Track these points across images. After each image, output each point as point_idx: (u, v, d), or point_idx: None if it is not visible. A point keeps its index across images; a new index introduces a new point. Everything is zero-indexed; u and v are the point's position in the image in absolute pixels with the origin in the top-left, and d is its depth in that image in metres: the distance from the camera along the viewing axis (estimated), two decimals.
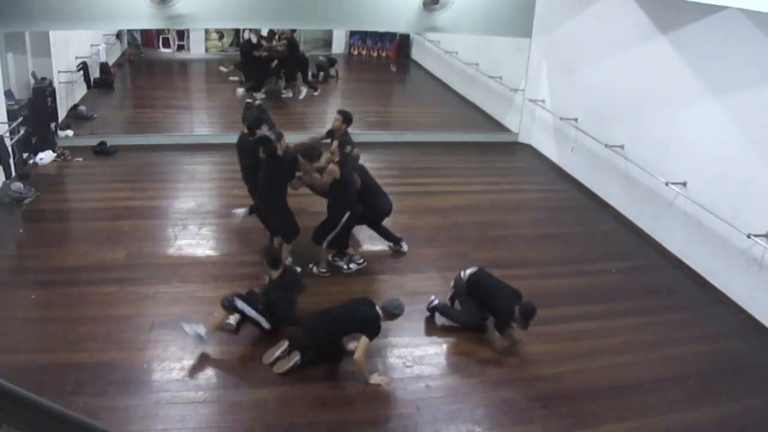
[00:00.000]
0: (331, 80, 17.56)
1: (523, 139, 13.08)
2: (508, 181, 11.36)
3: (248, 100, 7.53)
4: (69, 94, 13.05)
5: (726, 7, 7.35)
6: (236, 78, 16.14)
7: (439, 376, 6.15)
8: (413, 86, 19.32)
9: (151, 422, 5.28)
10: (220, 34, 19.07)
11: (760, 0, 6.16)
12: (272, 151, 7.28)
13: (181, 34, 19.64)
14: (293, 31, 15.71)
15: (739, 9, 7.09)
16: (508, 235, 9.10)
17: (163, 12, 10.89)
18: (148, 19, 11.09)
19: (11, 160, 9.50)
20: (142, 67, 18.66)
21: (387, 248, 8.32)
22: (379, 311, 5.91)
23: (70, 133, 11.73)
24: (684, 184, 8.36)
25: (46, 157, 10.58)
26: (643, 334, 6.92)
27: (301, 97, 15.33)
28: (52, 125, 11.19)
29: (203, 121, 14.10)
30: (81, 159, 10.81)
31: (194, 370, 5.90)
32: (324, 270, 7.66)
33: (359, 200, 7.74)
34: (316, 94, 15.64)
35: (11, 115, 9.61)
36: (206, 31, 19.50)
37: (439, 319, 6.93)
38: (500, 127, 13.86)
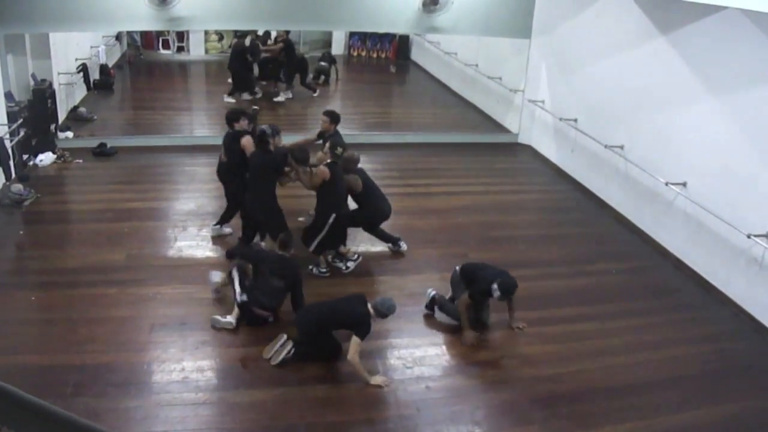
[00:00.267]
0: (331, 81, 17.54)
1: (522, 139, 13.08)
2: (508, 182, 11.37)
3: (254, 107, 7.56)
4: (69, 96, 13.05)
5: (725, 7, 7.34)
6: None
7: (440, 377, 6.15)
8: (413, 87, 19.33)
9: (151, 424, 5.27)
10: (220, 35, 19.09)
11: (759, 0, 6.16)
12: (265, 144, 7.37)
13: (181, 36, 19.65)
14: (288, 32, 15.68)
15: (738, 9, 7.09)
16: (508, 236, 9.10)
17: (163, 14, 10.90)
18: (147, 20, 11.09)
19: (11, 162, 9.50)
20: (141, 69, 18.67)
21: (386, 249, 8.32)
22: (371, 310, 5.90)
23: (70, 134, 11.74)
24: (684, 184, 8.36)
25: (46, 158, 10.59)
26: (644, 334, 6.91)
27: (277, 99, 15.16)
28: (52, 127, 11.20)
29: (203, 122, 14.10)
30: (81, 160, 10.81)
31: (194, 372, 5.90)
32: (324, 271, 7.67)
33: (361, 204, 7.75)
34: (315, 95, 15.63)
35: (11, 117, 9.62)
36: (206, 33, 19.53)
37: (440, 316, 6.92)
38: (500, 127, 13.86)
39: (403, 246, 8.29)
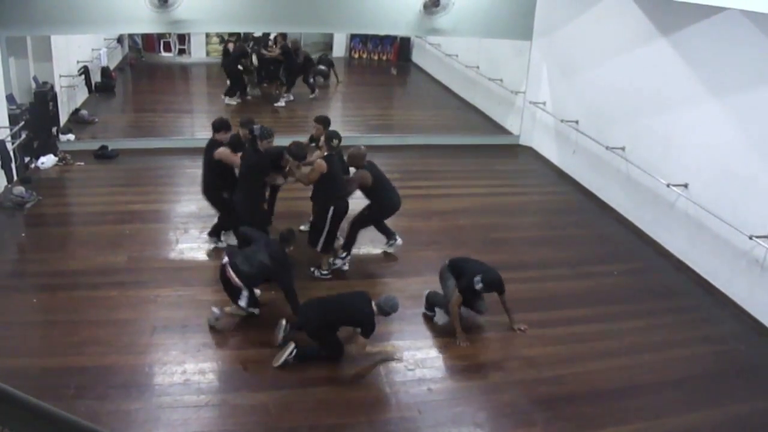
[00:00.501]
0: (331, 84, 17.53)
1: (524, 141, 13.08)
2: (509, 184, 11.37)
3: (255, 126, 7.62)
4: (70, 99, 13.06)
5: (726, 9, 7.35)
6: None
7: (441, 379, 6.15)
8: (414, 89, 19.33)
9: (152, 426, 5.27)
10: (221, 38, 19.08)
11: (759, 1, 6.16)
12: (255, 144, 7.38)
13: (182, 38, 19.68)
14: (284, 37, 15.70)
15: (738, 10, 7.09)
16: (510, 238, 9.09)
17: (164, 16, 10.91)
18: (149, 23, 11.11)
19: (13, 165, 9.51)
20: (143, 71, 18.69)
21: (386, 250, 8.34)
22: (375, 308, 5.99)
23: (71, 137, 11.75)
24: (685, 185, 8.35)
25: (47, 161, 10.60)
26: (645, 336, 6.90)
27: (277, 104, 15.19)
28: (54, 129, 11.22)
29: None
30: (82, 163, 10.82)
31: (196, 374, 5.89)
32: (325, 273, 7.66)
33: (372, 197, 7.77)
34: (312, 96, 15.60)
35: (13, 120, 9.63)
36: (207, 35, 19.56)
37: (439, 317, 6.92)
38: (501, 129, 13.86)
39: (399, 240, 8.31)
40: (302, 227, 8.59)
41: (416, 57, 20.91)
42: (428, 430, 5.47)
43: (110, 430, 5.15)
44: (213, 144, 7.79)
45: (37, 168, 10.45)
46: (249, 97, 15.23)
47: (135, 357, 6.09)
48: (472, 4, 11.94)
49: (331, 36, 21.01)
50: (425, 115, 15.51)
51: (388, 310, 6.01)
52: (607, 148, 9.87)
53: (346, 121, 14.68)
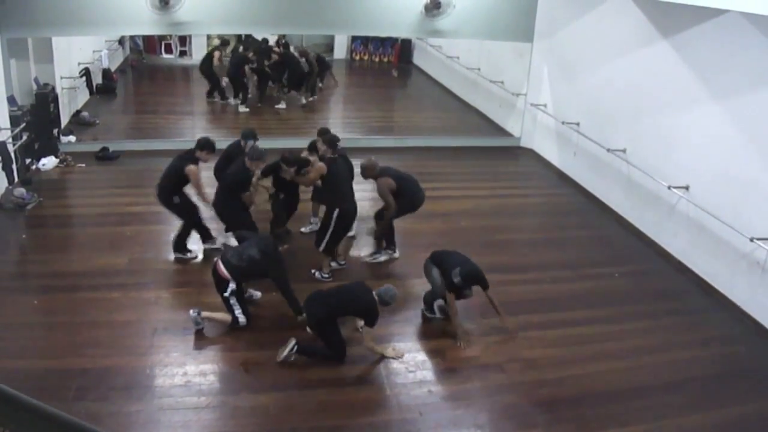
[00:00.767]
0: (326, 86, 17.41)
1: (525, 143, 13.09)
2: (510, 186, 11.37)
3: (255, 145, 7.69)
4: (71, 100, 13.08)
5: (727, 11, 7.35)
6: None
7: (442, 380, 6.14)
8: (415, 91, 19.34)
9: (153, 428, 5.28)
10: (222, 39, 19.07)
11: (760, 3, 6.16)
12: (243, 160, 7.52)
13: (183, 40, 19.72)
14: (283, 45, 15.71)
15: (739, 12, 7.09)
16: (511, 240, 9.09)
17: (166, 18, 10.93)
18: (150, 24, 11.12)
19: (14, 166, 9.51)
20: (144, 73, 18.72)
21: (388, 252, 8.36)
22: (376, 297, 6.08)
23: (72, 138, 11.77)
24: (686, 187, 8.35)
25: (48, 162, 10.61)
26: (646, 338, 6.90)
27: (278, 106, 15.22)
28: (55, 131, 11.23)
29: (205, 126, 14.11)
30: (83, 164, 10.83)
31: (196, 376, 5.89)
32: (327, 275, 7.66)
33: (399, 197, 7.80)
34: (303, 102, 15.46)
35: (14, 121, 9.64)
36: (208, 37, 19.56)
37: (440, 312, 6.94)
38: (502, 131, 13.87)
39: (396, 254, 8.35)
40: (303, 229, 8.61)
41: (417, 59, 20.94)
42: (429, 431, 5.46)
43: (111, 431, 5.15)
44: (189, 157, 7.75)
45: (38, 169, 10.46)
46: (230, 101, 15.19)
47: (136, 359, 6.09)
48: (473, 6, 11.95)
49: (332, 38, 21.03)
50: (426, 117, 15.51)
51: (387, 299, 6.10)
52: (608, 150, 9.87)
53: (347, 123, 14.71)
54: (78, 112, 13.24)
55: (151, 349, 6.25)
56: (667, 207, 8.80)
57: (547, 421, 5.63)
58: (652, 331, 7.04)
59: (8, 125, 9.49)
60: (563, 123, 11.34)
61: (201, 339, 6.43)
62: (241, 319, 6.54)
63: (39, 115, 10.54)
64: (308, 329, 6.31)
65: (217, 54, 15.14)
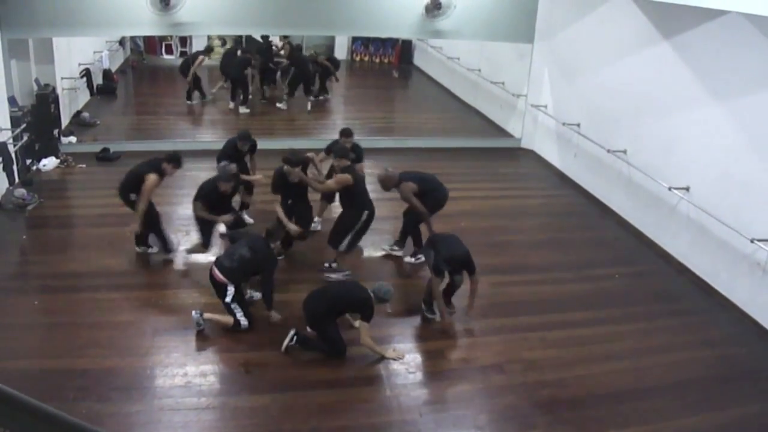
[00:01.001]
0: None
1: (525, 144, 13.09)
2: (510, 187, 11.36)
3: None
4: (72, 101, 13.08)
5: (728, 12, 7.35)
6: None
7: (442, 382, 6.14)
8: (416, 92, 19.34)
9: (153, 428, 5.27)
10: (223, 40, 19.08)
11: (761, 4, 6.16)
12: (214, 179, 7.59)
13: (184, 41, 19.69)
14: (289, 44, 15.69)
15: (740, 14, 7.09)
16: (511, 241, 9.09)
17: (166, 18, 10.93)
18: (150, 25, 11.12)
19: (14, 167, 9.52)
20: (144, 74, 18.72)
21: (388, 253, 8.36)
22: (371, 294, 6.13)
23: (73, 139, 11.76)
24: (687, 188, 8.34)
25: (49, 163, 10.61)
26: (646, 339, 6.90)
27: (279, 104, 15.17)
28: (55, 132, 11.22)
29: (206, 127, 14.12)
30: (84, 165, 10.83)
31: (197, 377, 5.89)
32: (347, 272, 7.70)
33: (423, 198, 7.87)
34: (280, 105, 15.21)
35: (14, 122, 9.64)
36: (209, 38, 19.55)
37: (437, 314, 6.99)
38: (503, 132, 13.87)
39: (406, 258, 8.40)
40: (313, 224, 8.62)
41: (418, 60, 20.94)
42: None
43: None
44: (155, 165, 7.70)
45: (38, 170, 10.46)
46: (194, 101, 15.20)
47: (136, 359, 6.09)
48: (474, 7, 11.95)
49: (332, 38, 21.03)
50: (427, 118, 15.51)
51: (382, 295, 6.16)
52: (608, 151, 9.87)
53: (348, 124, 14.63)
54: (78, 112, 13.25)
55: (152, 350, 6.25)
56: (667, 208, 8.80)
57: (548, 422, 5.62)
58: (652, 332, 7.04)
59: (9, 126, 9.49)
60: (564, 124, 11.34)
61: (201, 340, 6.43)
62: (244, 322, 6.53)
63: (39, 116, 10.54)
64: (308, 329, 6.31)
65: (200, 59, 15.09)
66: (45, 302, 7.02)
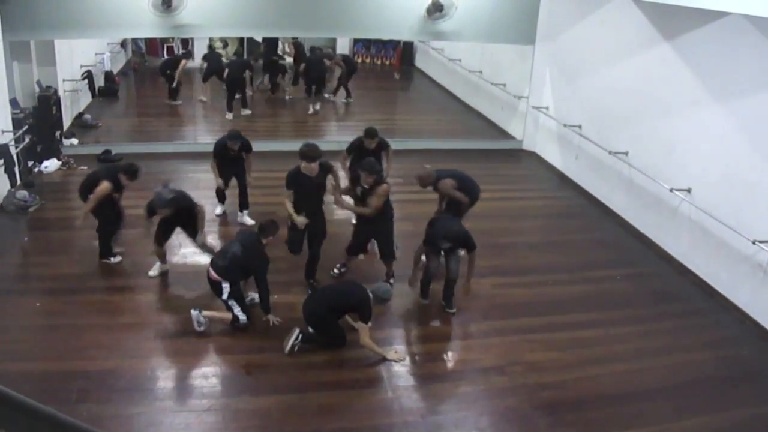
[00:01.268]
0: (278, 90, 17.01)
1: (527, 146, 13.08)
2: (512, 189, 11.35)
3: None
4: (74, 103, 13.10)
5: (729, 14, 7.35)
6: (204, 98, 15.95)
7: (444, 383, 6.13)
8: (417, 94, 19.34)
9: (155, 430, 5.27)
10: (225, 42, 19.12)
11: (762, 5, 6.16)
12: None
13: (186, 43, 19.69)
14: (296, 44, 15.74)
15: (741, 15, 7.09)
16: (513, 243, 9.09)
17: (168, 21, 10.94)
18: (152, 27, 11.14)
19: (16, 169, 9.53)
20: (146, 76, 18.72)
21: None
22: (370, 294, 6.17)
23: (74, 141, 11.78)
24: (688, 190, 8.34)
25: (50, 165, 10.62)
26: (648, 341, 6.89)
27: (310, 111, 15.08)
28: (57, 134, 11.24)
29: (207, 129, 14.11)
30: (86, 167, 10.82)
31: (198, 378, 5.90)
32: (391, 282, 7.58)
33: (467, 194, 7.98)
34: (245, 112, 14.92)
35: (16, 124, 9.66)
36: (210, 40, 19.57)
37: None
38: (504, 134, 13.87)
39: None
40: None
41: (419, 61, 20.96)
42: None
43: None
44: (112, 173, 7.71)
45: (40, 172, 10.47)
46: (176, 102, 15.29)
47: (137, 361, 6.09)
48: (475, 9, 11.95)
49: (334, 40, 21.04)
50: (428, 120, 15.51)
51: (381, 295, 6.22)
52: (610, 152, 9.87)
53: (348, 126, 14.70)
54: (80, 114, 13.26)
55: (153, 352, 6.25)
56: (669, 209, 8.79)
57: (549, 424, 5.62)
58: (653, 333, 7.04)
59: (11, 128, 9.50)
60: (565, 126, 11.33)
61: (202, 341, 6.43)
62: (242, 317, 6.55)
63: (41, 118, 10.55)
64: (309, 329, 6.32)
65: (183, 62, 15.10)
66: (46, 304, 7.02)
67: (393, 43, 21.11)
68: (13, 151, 9.38)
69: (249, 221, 8.80)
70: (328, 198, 7.58)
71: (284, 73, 16.61)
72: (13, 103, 9.85)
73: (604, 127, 10.34)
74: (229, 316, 6.56)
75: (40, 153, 10.60)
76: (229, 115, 14.12)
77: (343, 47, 21.31)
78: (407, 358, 6.35)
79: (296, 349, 6.21)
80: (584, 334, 6.95)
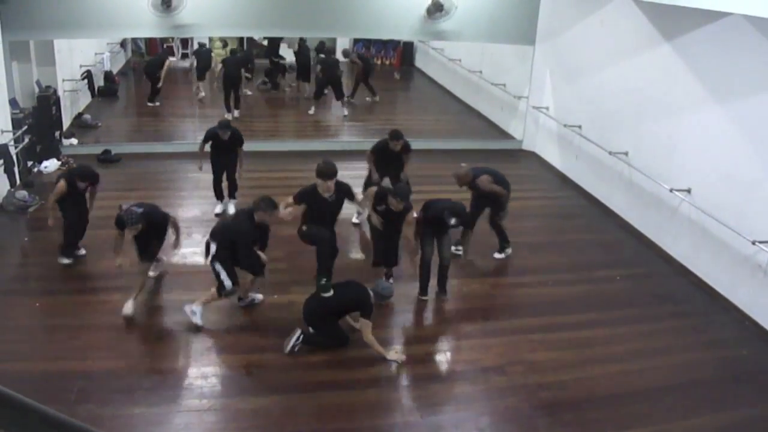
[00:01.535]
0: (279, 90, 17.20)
1: (527, 146, 13.08)
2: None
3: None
4: (73, 103, 13.10)
5: (729, 14, 7.35)
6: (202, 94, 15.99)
7: (444, 383, 6.13)
8: (417, 94, 19.35)
9: (155, 431, 5.27)
10: (224, 42, 19.12)
11: (762, 5, 6.16)
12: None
13: (185, 43, 19.71)
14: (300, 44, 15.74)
15: (742, 16, 7.09)
16: (513, 243, 9.05)
17: (168, 20, 10.94)
18: (152, 27, 11.14)
19: (16, 169, 9.53)
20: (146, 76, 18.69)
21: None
22: (370, 292, 6.20)
23: (74, 141, 11.78)
24: (688, 190, 8.33)
25: (50, 165, 10.62)
26: (648, 341, 6.89)
27: (310, 111, 15.10)
28: (57, 133, 11.25)
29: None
30: None
31: (198, 378, 5.89)
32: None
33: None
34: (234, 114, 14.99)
35: (16, 124, 9.66)
36: (210, 39, 19.58)
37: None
38: (504, 134, 13.87)
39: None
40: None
41: (419, 61, 20.96)
42: None
43: None
44: (69, 177, 7.72)
45: (39, 172, 10.46)
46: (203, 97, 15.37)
47: (137, 361, 6.09)
48: (476, 9, 11.96)
49: (334, 40, 21.04)
50: (428, 120, 15.52)
51: (382, 293, 6.27)
52: (610, 153, 9.87)
53: (349, 126, 14.71)
54: (80, 114, 13.27)
55: (153, 352, 6.26)
56: (669, 210, 8.79)
57: (549, 424, 5.62)
58: (653, 334, 7.03)
59: (10, 128, 9.50)
60: (565, 126, 11.33)
61: (202, 341, 6.43)
62: (227, 282, 6.57)
63: (41, 118, 10.56)
64: (310, 329, 6.32)
65: (167, 62, 15.12)
66: (46, 304, 7.02)
67: (393, 43, 21.12)
68: (12, 151, 9.38)
69: (231, 210, 8.94)
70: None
71: (284, 72, 16.67)
72: (13, 103, 9.85)
73: (604, 127, 10.34)
74: (214, 293, 6.60)
75: (39, 153, 10.60)
76: (228, 115, 14.05)
77: (343, 47, 21.32)
78: (407, 358, 6.34)
79: (296, 349, 6.21)
80: (584, 334, 6.95)
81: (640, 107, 9.44)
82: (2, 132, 9.25)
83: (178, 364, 6.07)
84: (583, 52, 11.11)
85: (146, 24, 10.95)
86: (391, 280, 7.49)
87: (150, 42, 19.70)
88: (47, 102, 10.81)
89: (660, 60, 8.91)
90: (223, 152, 9.03)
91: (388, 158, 8.84)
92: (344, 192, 7.10)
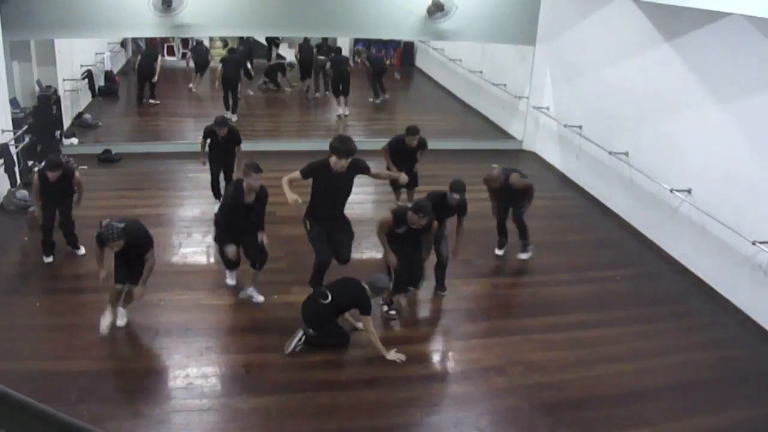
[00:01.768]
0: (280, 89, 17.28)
1: (527, 146, 13.08)
2: None
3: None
4: (74, 102, 13.10)
5: (730, 14, 7.35)
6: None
7: (444, 383, 6.14)
8: (417, 94, 19.34)
9: (155, 430, 5.27)
10: (225, 41, 19.12)
11: (763, 6, 6.16)
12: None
13: (186, 42, 19.71)
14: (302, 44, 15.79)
15: (742, 16, 7.09)
16: (513, 243, 9.07)
17: (168, 20, 10.94)
18: (152, 27, 11.14)
19: (16, 168, 9.53)
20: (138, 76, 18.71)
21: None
22: (366, 287, 6.19)
23: (74, 141, 11.78)
24: (689, 191, 8.33)
25: None
26: (648, 341, 6.89)
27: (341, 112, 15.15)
28: (57, 133, 11.24)
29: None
30: (86, 167, 10.80)
31: (198, 378, 5.89)
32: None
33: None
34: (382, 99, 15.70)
35: (16, 123, 9.66)
36: (210, 39, 19.59)
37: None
38: (504, 134, 13.87)
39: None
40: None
41: (420, 61, 20.96)
42: None
43: None
44: (41, 170, 7.65)
45: None
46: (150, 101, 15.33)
47: (138, 361, 6.10)
48: (476, 9, 11.96)
49: (334, 40, 21.05)
50: (428, 120, 15.45)
51: (376, 284, 6.24)
52: (610, 153, 9.87)
53: (349, 125, 14.71)
54: (80, 114, 13.27)
55: (153, 352, 6.26)
56: (669, 210, 8.79)
57: (549, 424, 5.62)
58: (653, 334, 7.03)
59: (11, 127, 9.50)
60: (566, 126, 11.33)
61: (202, 341, 6.43)
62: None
63: (41, 118, 10.55)
64: (310, 330, 6.31)
65: (160, 58, 15.26)
66: (47, 303, 7.03)
67: (393, 43, 21.11)
68: (13, 150, 9.38)
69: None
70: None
71: (284, 72, 16.71)
72: (13, 102, 9.85)
73: (605, 127, 10.33)
74: (249, 270, 6.95)
75: (40, 152, 10.58)
76: (228, 115, 14.05)
77: (343, 47, 21.30)
78: (407, 358, 6.33)
79: (297, 350, 6.22)
80: (584, 334, 6.95)
81: (641, 107, 9.44)
82: (3, 131, 9.26)
83: (178, 364, 6.07)
84: (584, 52, 11.11)
85: (147, 24, 10.95)
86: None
87: (150, 42, 19.70)
88: (48, 101, 10.80)
89: (660, 60, 8.91)
90: (221, 151, 9.04)
91: (404, 153, 8.92)
92: (358, 170, 6.57)
